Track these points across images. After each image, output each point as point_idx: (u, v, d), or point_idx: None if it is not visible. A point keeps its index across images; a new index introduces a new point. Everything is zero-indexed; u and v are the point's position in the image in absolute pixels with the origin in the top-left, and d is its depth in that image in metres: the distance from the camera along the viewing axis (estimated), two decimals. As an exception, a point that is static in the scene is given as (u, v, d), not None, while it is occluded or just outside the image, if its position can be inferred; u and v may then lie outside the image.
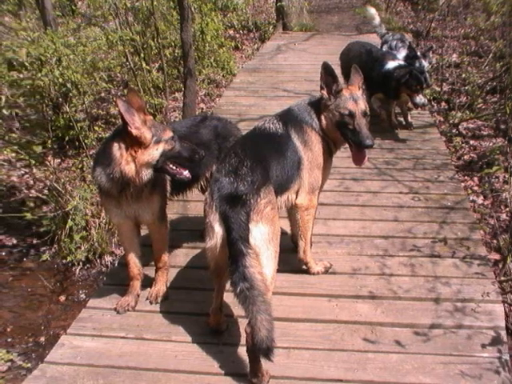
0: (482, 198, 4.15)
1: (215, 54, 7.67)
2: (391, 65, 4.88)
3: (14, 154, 4.24)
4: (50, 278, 3.79)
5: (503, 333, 2.66)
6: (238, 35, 9.84)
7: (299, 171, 2.81)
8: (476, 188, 4.30)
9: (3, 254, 4.10)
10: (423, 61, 5.13)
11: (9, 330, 3.28)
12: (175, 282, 3.18)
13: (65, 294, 3.63)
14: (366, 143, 2.73)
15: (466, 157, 4.85)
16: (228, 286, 2.42)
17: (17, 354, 2.95)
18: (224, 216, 2.31)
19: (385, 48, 5.74)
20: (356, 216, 3.83)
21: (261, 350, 2.17)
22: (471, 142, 5.12)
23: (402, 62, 5.00)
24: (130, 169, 2.54)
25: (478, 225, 3.67)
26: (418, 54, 5.28)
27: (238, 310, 2.35)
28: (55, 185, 3.80)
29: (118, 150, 2.54)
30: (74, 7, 9.04)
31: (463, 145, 5.08)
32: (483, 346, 2.58)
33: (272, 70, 7.80)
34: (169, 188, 2.99)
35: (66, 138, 4.92)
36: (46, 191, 4.08)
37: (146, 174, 2.59)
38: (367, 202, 4.01)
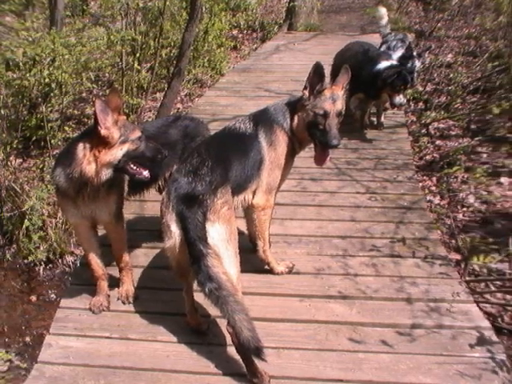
0: (438, 198, 4.14)
1: (211, 53, 7.64)
2: (383, 65, 4.84)
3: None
4: (16, 277, 3.79)
5: (487, 333, 2.65)
6: (240, 35, 9.85)
7: (259, 171, 2.79)
8: (433, 188, 4.28)
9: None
10: (416, 61, 5.07)
11: (6, 329, 3.28)
12: (140, 282, 3.16)
13: (35, 294, 3.62)
14: (331, 143, 2.72)
15: (428, 157, 4.82)
16: (195, 286, 2.44)
17: (14, 353, 2.95)
18: (181, 216, 2.32)
19: (383, 48, 5.69)
20: (312, 216, 3.83)
21: (250, 350, 2.20)
22: (437, 141, 5.07)
23: (394, 62, 4.94)
24: (90, 169, 2.53)
25: (434, 225, 3.67)
26: (414, 54, 5.21)
27: (213, 309, 2.36)
28: (13, 185, 3.85)
29: (82, 150, 2.53)
30: (85, 7, 9.20)
31: (428, 145, 5.03)
32: (471, 346, 2.58)
33: (262, 70, 7.75)
34: (126, 188, 2.98)
35: (33, 138, 4.88)
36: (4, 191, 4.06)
37: (106, 173, 2.57)
38: (324, 202, 4.00)
